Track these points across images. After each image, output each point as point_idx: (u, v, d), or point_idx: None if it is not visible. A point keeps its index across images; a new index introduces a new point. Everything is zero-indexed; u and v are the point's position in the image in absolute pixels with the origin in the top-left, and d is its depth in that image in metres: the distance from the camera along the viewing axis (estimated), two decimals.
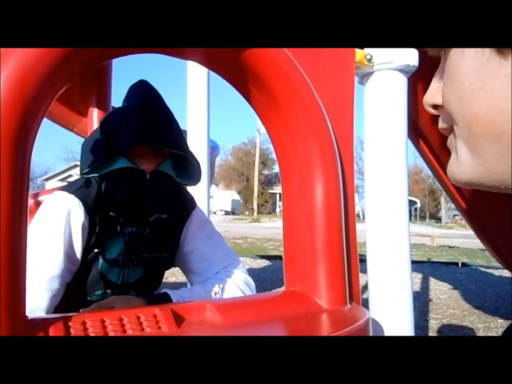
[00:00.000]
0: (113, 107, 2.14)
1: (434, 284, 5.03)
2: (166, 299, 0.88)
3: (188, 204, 1.04)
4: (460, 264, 6.50)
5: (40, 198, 1.91)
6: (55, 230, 0.85)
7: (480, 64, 0.29)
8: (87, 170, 0.89)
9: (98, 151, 0.88)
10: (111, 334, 0.57)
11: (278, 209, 30.19)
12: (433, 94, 0.36)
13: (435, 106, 0.36)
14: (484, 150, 0.30)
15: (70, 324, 0.57)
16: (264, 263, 6.33)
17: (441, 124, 0.36)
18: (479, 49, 0.29)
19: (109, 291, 0.96)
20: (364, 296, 1.12)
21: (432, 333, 3.15)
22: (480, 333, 3.16)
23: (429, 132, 2.02)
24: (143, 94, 0.92)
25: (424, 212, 31.84)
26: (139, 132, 0.87)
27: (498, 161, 0.30)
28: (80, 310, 0.79)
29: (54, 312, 0.84)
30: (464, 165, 0.32)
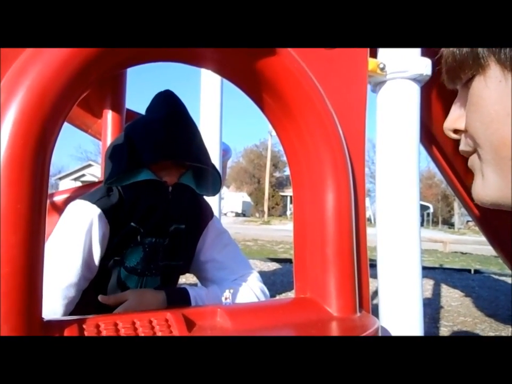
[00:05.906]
0: (127, 109, 2.17)
1: (446, 290, 4.97)
2: (184, 294, 0.91)
3: (206, 214, 1.06)
4: (472, 271, 6.42)
5: (54, 199, 1.94)
6: (75, 240, 0.87)
7: (504, 93, 0.31)
8: (111, 180, 0.91)
9: (122, 161, 0.89)
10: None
11: (288, 212, 30.13)
12: (454, 121, 0.38)
13: (455, 131, 0.39)
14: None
15: (84, 326, 0.58)
16: (274, 266, 6.32)
17: (463, 147, 0.38)
18: (503, 79, 0.31)
19: None
20: (374, 301, 1.12)
21: None
22: None
23: (441, 139, 2.01)
24: (168, 105, 0.93)
25: (436, 217, 31.47)
26: (163, 147, 0.88)
27: None
28: (99, 297, 0.83)
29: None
30: (490, 186, 0.34)
